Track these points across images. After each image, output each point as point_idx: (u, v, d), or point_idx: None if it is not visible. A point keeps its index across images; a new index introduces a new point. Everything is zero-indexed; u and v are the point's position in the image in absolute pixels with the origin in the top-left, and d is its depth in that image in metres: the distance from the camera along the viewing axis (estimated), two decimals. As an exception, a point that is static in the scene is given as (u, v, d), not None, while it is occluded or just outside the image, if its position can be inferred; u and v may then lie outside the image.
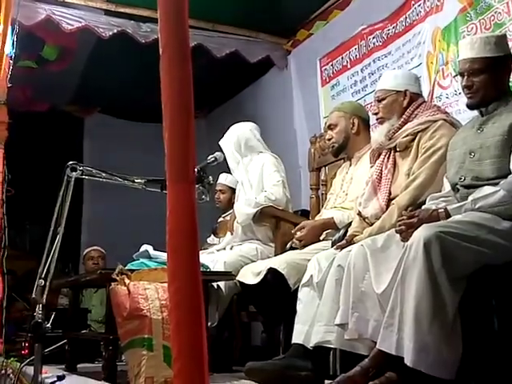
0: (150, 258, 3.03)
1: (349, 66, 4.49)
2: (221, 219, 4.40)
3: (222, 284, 3.41)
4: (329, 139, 3.32)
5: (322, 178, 3.78)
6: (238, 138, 3.93)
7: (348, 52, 4.48)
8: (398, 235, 2.32)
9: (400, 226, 2.30)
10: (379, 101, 2.82)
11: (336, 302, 2.42)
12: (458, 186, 2.38)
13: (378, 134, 2.86)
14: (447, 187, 2.47)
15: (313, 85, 4.85)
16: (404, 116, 2.74)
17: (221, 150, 3.67)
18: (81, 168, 2.64)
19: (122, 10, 4.58)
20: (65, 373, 2.88)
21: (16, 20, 4.00)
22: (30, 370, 2.64)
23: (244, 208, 3.66)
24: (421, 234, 2.08)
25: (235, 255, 3.61)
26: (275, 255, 3.34)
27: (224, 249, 3.86)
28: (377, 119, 2.87)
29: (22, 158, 5.28)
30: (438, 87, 3.57)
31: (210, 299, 3.31)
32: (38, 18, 4.31)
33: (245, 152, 3.92)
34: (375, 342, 2.18)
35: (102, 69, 5.37)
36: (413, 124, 2.71)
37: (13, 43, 4.05)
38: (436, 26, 3.61)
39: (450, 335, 2.00)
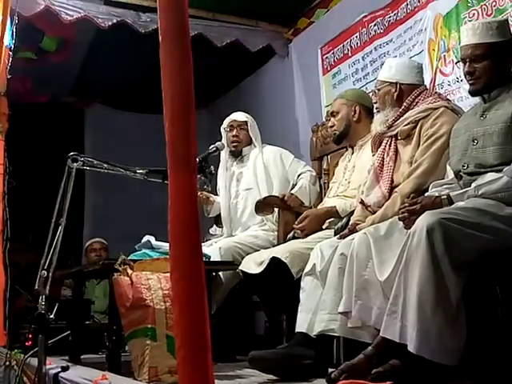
0: (152, 248, 3.03)
1: (350, 54, 4.46)
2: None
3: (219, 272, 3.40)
4: (331, 126, 3.32)
5: (325, 166, 3.78)
6: (252, 119, 3.88)
7: (349, 40, 4.45)
8: (400, 223, 2.31)
9: (403, 213, 2.30)
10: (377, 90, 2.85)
11: (339, 290, 2.42)
12: (461, 174, 2.36)
13: (374, 123, 2.88)
14: (450, 175, 2.45)
15: (314, 73, 4.83)
16: (404, 104, 2.73)
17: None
18: (82, 159, 2.64)
19: (121, -1, 4.56)
20: (69, 364, 2.89)
21: (15, 11, 3.98)
22: (34, 361, 2.66)
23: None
24: (424, 220, 2.07)
25: (231, 241, 3.59)
26: (277, 244, 3.34)
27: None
28: (375, 108, 2.90)
29: (22, 150, 5.27)
30: (439, 74, 3.55)
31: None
32: (37, 9, 4.28)
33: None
34: (379, 330, 2.18)
35: (102, 59, 5.34)
36: (414, 112, 2.70)
37: (12, 34, 4.04)
38: (437, 13, 3.58)
39: (453, 322, 2.00)
